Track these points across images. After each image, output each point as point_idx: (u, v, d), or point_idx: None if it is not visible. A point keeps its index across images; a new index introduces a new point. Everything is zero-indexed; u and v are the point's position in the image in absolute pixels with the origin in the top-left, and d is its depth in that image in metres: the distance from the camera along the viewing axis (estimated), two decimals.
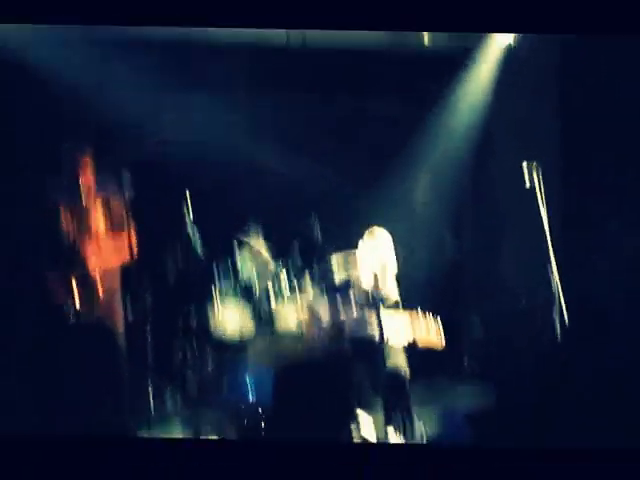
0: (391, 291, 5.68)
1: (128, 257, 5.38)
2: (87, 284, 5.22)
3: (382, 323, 5.39)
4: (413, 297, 5.82)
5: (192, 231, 6.37)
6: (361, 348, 5.51)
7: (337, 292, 5.79)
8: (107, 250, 5.34)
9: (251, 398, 4.94)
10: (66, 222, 5.27)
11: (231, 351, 6.51)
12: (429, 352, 5.38)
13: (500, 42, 7.37)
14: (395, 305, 5.64)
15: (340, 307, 5.73)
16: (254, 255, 7.38)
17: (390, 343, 5.43)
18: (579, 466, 3.06)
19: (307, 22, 4.24)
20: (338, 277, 5.83)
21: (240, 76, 7.15)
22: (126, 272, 5.46)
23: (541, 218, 5.21)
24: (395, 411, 5.32)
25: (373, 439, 4.89)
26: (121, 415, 4.83)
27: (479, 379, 6.66)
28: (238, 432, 5.30)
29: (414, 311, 5.56)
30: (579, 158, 6.82)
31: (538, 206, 5.21)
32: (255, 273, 6.77)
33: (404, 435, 5.25)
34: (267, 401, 4.91)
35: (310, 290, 5.97)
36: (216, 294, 6.59)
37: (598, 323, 5.26)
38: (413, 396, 5.52)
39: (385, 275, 5.69)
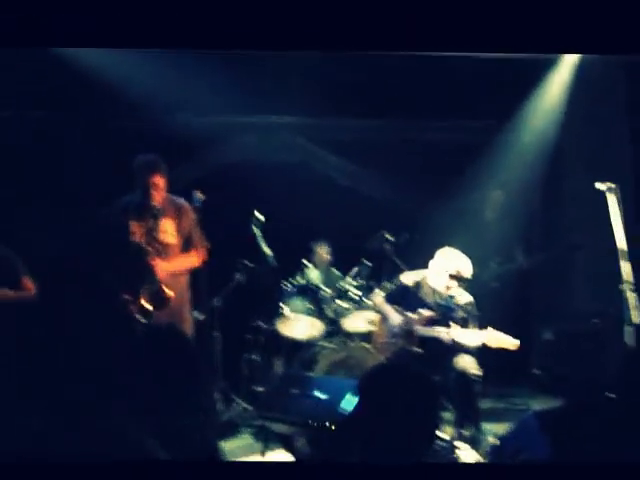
0: (462, 305, 5.65)
1: (198, 270, 5.43)
2: (158, 298, 5.27)
3: (453, 334, 5.36)
4: (484, 311, 5.77)
5: (262, 243, 6.44)
6: (432, 355, 5.48)
7: (407, 303, 5.77)
8: (177, 264, 5.41)
9: (320, 410, 4.90)
10: (138, 236, 5.33)
11: (300, 361, 6.55)
12: (500, 363, 5.34)
13: (571, 61, 7.32)
14: (466, 319, 5.60)
15: (410, 318, 5.72)
16: (324, 267, 7.45)
17: (461, 352, 5.40)
18: None
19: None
20: (408, 289, 5.82)
21: (315, 97, 7.23)
22: (196, 285, 5.52)
23: (614, 237, 5.10)
24: (464, 419, 5.28)
25: (443, 445, 4.86)
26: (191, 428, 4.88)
27: (550, 393, 6.55)
28: (307, 445, 5.30)
29: (485, 324, 5.54)
30: None
31: (611, 225, 5.10)
32: (325, 285, 6.82)
33: (472, 444, 5.20)
34: (338, 413, 4.91)
35: (379, 301, 5.96)
36: (285, 305, 6.65)
37: None
38: (483, 405, 5.48)
39: (456, 289, 5.66)
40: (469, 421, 5.36)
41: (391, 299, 5.88)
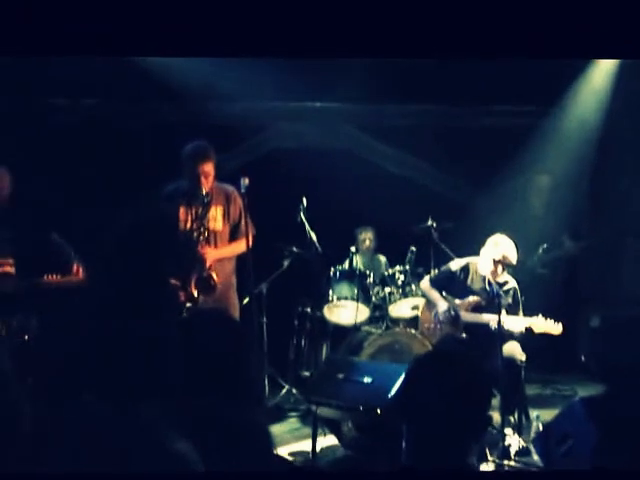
0: (508, 291, 5.64)
1: (244, 256, 5.47)
2: (206, 284, 5.32)
3: (501, 321, 5.36)
4: (531, 297, 5.75)
5: (308, 229, 6.47)
6: (477, 341, 5.49)
7: (454, 289, 5.78)
8: (225, 251, 5.46)
9: (366, 394, 4.93)
10: (187, 224, 5.39)
11: (346, 346, 6.60)
12: (547, 349, 5.33)
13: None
14: (512, 305, 5.60)
15: (456, 304, 5.73)
16: (369, 254, 7.47)
17: (506, 338, 5.40)
18: None
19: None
20: (455, 275, 5.82)
21: (362, 84, 7.23)
22: (243, 271, 5.57)
23: None
24: (511, 405, 5.28)
25: (492, 432, 4.87)
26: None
27: (597, 379, 6.51)
28: (354, 430, 5.34)
29: (532, 310, 5.54)
30: None
31: None
32: (371, 271, 6.84)
33: (518, 430, 5.21)
34: (384, 398, 4.93)
35: (426, 287, 5.97)
36: (331, 291, 6.69)
37: None
38: (529, 390, 5.47)
39: (503, 275, 5.65)
40: (515, 407, 5.36)
41: (438, 284, 5.89)
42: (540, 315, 5.36)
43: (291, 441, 5.51)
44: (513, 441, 5.00)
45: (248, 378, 2.52)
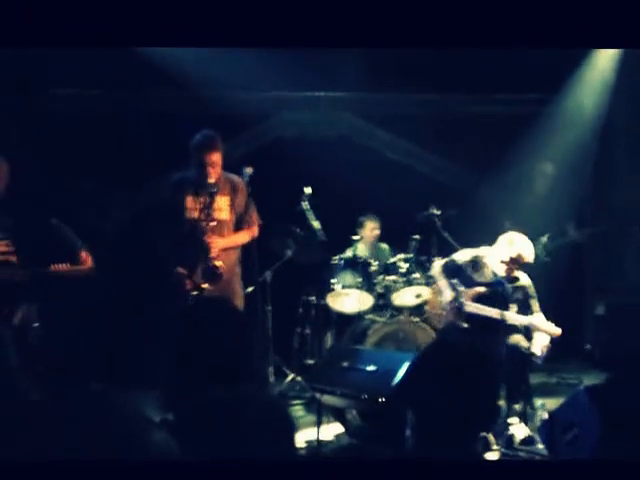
0: (521, 286, 5.64)
1: (249, 245, 5.49)
2: (212, 273, 5.34)
3: (501, 314, 5.36)
4: (536, 288, 5.74)
5: (311, 217, 6.47)
6: (479, 331, 5.49)
7: (462, 278, 5.76)
8: (231, 240, 5.47)
9: (370, 382, 4.94)
10: (193, 213, 5.40)
11: (350, 335, 6.61)
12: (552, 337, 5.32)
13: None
14: (522, 299, 5.60)
15: (461, 293, 5.72)
16: (372, 242, 7.46)
17: (511, 332, 5.40)
18: None
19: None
20: (465, 265, 5.80)
21: (366, 73, 7.22)
22: (248, 260, 5.58)
23: None
24: (516, 393, 5.28)
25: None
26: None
27: (602, 368, 6.52)
28: (358, 417, 5.35)
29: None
30: None
31: None
32: (374, 259, 6.84)
33: (523, 418, 5.21)
34: (388, 386, 4.93)
35: (437, 272, 5.96)
36: (335, 280, 6.69)
37: None
38: (534, 379, 5.47)
39: (516, 272, 5.63)
40: (520, 396, 5.36)
41: (448, 271, 5.85)
42: (541, 314, 5.37)
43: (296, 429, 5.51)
44: (518, 430, 5.00)
45: (250, 366, 2.53)
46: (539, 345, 5.32)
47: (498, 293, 5.47)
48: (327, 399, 5.02)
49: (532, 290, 5.62)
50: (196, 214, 5.40)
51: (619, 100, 7.43)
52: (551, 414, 4.61)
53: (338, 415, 5.33)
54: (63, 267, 5.18)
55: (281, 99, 7.90)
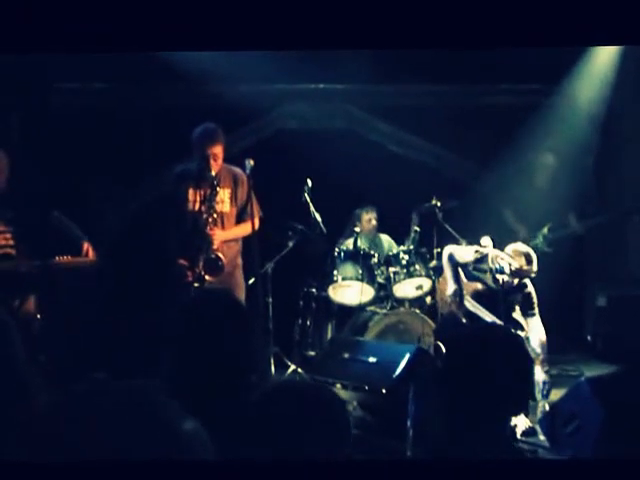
0: (520, 289, 5.65)
1: (250, 237, 5.49)
2: (213, 265, 5.36)
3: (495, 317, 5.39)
4: (537, 279, 5.75)
5: (312, 209, 6.48)
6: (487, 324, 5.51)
7: (466, 272, 5.77)
8: (233, 233, 5.49)
9: (371, 374, 4.95)
10: (195, 205, 5.42)
11: (351, 326, 6.62)
12: (553, 328, 5.35)
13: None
14: (524, 302, 5.63)
15: (462, 287, 5.73)
16: (373, 233, 7.46)
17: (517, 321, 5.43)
18: None
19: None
20: (470, 261, 5.81)
21: (367, 65, 7.21)
22: (249, 251, 5.59)
23: None
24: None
25: None
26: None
27: (603, 359, 6.53)
28: (359, 409, 5.37)
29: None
30: None
31: None
32: (375, 251, 6.84)
33: (525, 412, 5.21)
34: (389, 377, 4.94)
35: (445, 260, 5.96)
36: (336, 271, 6.69)
37: None
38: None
39: (511, 256, 5.65)
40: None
41: (454, 262, 5.84)
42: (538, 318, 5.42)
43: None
44: (519, 421, 5.01)
45: (251, 358, 2.54)
46: (537, 340, 5.36)
47: (498, 293, 5.49)
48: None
49: (528, 293, 5.65)
50: (197, 206, 5.43)
51: (621, 90, 7.41)
52: (552, 406, 4.63)
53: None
54: (66, 259, 5.20)
55: (282, 92, 7.89)
